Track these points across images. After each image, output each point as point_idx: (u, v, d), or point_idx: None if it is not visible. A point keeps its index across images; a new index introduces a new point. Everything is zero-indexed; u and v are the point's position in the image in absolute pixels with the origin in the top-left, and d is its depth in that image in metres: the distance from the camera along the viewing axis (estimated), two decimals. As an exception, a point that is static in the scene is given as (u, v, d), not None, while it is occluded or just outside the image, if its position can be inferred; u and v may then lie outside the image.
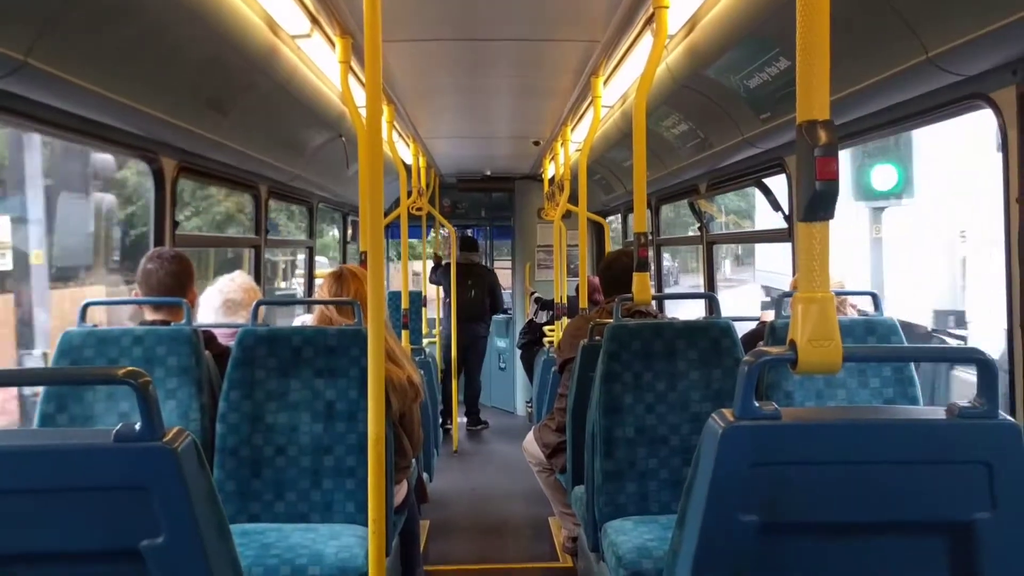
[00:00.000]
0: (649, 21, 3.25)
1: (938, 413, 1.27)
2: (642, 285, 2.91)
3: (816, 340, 1.24)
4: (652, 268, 5.95)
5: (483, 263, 9.27)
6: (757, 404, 1.24)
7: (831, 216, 1.24)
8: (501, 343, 9.42)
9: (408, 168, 6.15)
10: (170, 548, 1.23)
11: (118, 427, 1.23)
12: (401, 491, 3.24)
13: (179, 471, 1.22)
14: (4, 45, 2.01)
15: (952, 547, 1.28)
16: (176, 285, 2.98)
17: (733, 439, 1.23)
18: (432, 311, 8.29)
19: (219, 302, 3.53)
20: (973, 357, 1.26)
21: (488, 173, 8.91)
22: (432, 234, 8.94)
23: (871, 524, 1.28)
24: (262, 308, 3.06)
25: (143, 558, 1.23)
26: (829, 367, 1.25)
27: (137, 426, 1.23)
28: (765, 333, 3.02)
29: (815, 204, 1.23)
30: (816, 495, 1.26)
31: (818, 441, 1.25)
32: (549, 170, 7.31)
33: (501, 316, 9.39)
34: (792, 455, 1.25)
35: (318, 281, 6.07)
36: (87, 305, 2.93)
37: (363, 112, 2.84)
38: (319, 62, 3.77)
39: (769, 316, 3.45)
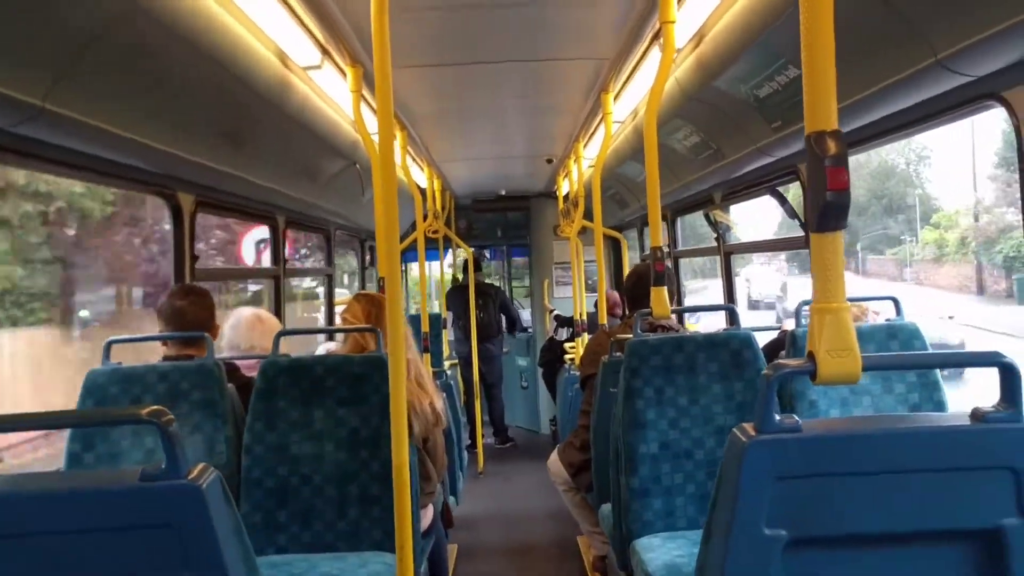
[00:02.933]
0: (656, 36, 3.27)
1: (962, 419, 1.26)
2: (660, 300, 2.89)
3: (834, 351, 1.23)
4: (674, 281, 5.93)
5: (490, 282, 9.36)
6: (778, 417, 1.24)
7: (844, 226, 1.24)
8: (522, 362, 9.42)
9: (423, 192, 6.19)
10: None
11: (143, 467, 1.24)
12: (427, 516, 3.24)
13: (204, 508, 1.23)
14: (22, 92, 2.05)
15: (981, 554, 1.26)
16: (207, 320, 3.02)
17: (755, 454, 1.22)
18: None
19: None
20: (995, 361, 1.25)
21: (503, 192, 8.94)
22: (449, 256, 8.99)
23: (898, 534, 1.26)
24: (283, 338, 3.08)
25: None
26: (848, 377, 1.24)
27: (163, 465, 1.24)
28: (786, 342, 2.99)
29: (827, 214, 1.22)
30: (842, 507, 1.24)
31: (840, 452, 1.24)
32: (563, 187, 7.32)
33: (522, 335, 9.38)
34: (815, 468, 1.24)
35: (338, 308, 6.11)
36: (110, 343, 2.96)
37: (376, 139, 2.86)
38: (331, 92, 3.81)
39: (790, 325, 3.43)
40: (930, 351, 2.99)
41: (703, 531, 1.36)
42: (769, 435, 1.22)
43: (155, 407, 1.27)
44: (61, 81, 2.13)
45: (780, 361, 1.27)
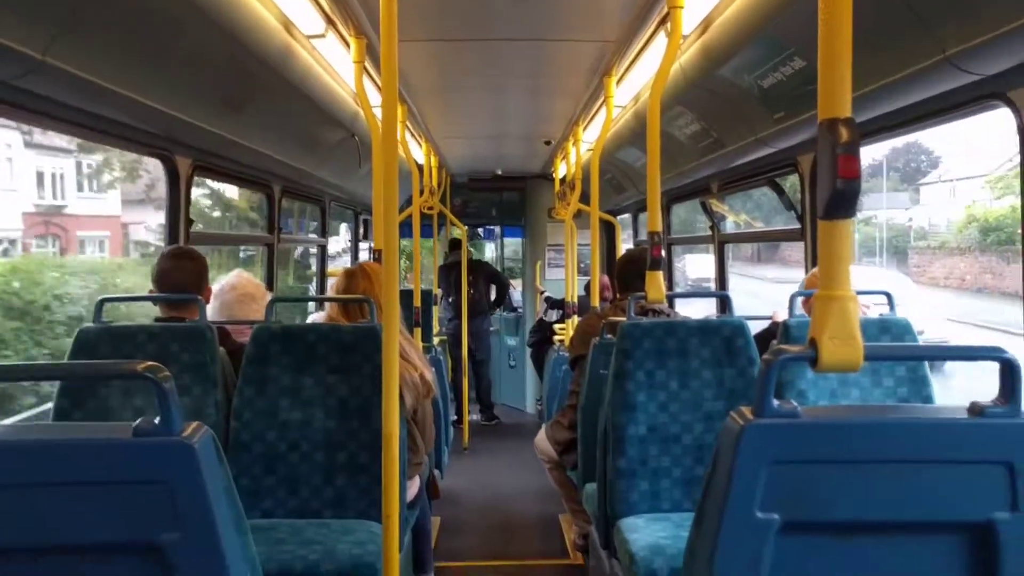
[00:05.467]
0: (663, 21, 3.26)
1: (960, 412, 1.27)
2: (656, 284, 2.90)
3: (837, 338, 1.24)
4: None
5: (478, 257, 9.38)
6: (777, 402, 1.25)
7: (853, 214, 1.24)
8: (511, 341, 9.45)
9: (420, 167, 6.17)
10: (188, 542, 1.23)
11: (137, 422, 1.23)
12: (413, 487, 3.26)
13: (196, 466, 1.23)
14: (23, 44, 2.02)
15: (971, 547, 1.28)
16: (191, 283, 3.00)
17: (753, 437, 1.23)
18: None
19: (232, 297, 3.56)
20: (995, 356, 1.26)
21: (499, 172, 8.92)
22: (443, 233, 8.98)
23: (891, 523, 1.27)
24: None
25: (163, 552, 1.24)
26: (850, 365, 1.25)
27: (156, 420, 1.23)
28: (779, 332, 3.01)
29: (837, 202, 1.23)
30: (836, 494, 1.25)
31: (838, 440, 1.25)
32: (560, 169, 7.31)
33: (511, 314, 9.40)
34: (812, 453, 1.25)
35: (330, 280, 6.11)
36: (103, 301, 2.95)
37: (377, 112, 2.85)
38: (333, 62, 3.78)
39: (782, 315, 3.45)
40: (931, 343, 3.02)
41: (695, 514, 1.37)
42: (767, 419, 1.24)
43: (151, 363, 1.26)
44: (62, 35, 2.10)
45: (782, 346, 1.28)
